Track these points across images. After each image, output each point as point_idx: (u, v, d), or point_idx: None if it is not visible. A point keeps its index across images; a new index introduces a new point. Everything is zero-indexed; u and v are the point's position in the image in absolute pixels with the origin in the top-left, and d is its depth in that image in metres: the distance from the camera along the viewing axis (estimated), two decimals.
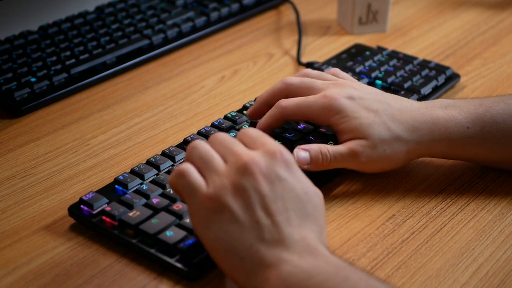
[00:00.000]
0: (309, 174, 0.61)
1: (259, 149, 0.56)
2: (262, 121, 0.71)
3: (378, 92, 0.69)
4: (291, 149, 0.64)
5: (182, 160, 0.69)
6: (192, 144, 0.58)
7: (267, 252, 0.52)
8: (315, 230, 0.54)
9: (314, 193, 0.56)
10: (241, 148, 0.56)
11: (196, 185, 0.55)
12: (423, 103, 0.69)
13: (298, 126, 0.73)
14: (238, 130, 0.73)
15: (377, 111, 0.66)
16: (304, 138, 0.71)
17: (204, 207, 0.54)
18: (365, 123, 0.65)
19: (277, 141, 0.69)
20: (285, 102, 0.68)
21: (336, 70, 0.74)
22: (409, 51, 0.94)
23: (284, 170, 0.55)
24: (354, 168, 0.67)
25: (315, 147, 0.66)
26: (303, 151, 0.66)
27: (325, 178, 0.68)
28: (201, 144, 0.57)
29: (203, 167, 0.56)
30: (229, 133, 0.73)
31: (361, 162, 0.66)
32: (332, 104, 0.66)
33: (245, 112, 0.77)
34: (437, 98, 0.83)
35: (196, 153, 0.57)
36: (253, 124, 0.74)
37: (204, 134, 0.72)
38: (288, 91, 0.70)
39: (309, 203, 0.55)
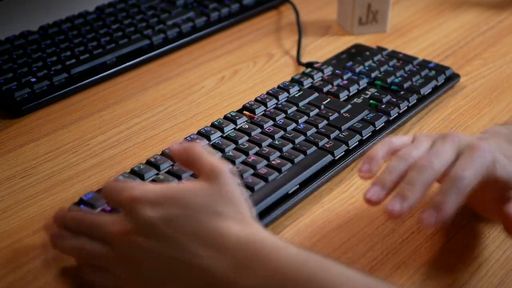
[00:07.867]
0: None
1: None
2: (445, 205, 0.53)
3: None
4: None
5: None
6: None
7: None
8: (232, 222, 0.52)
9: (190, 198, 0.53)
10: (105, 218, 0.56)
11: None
12: None
13: (298, 126, 0.73)
14: (238, 130, 0.73)
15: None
16: (305, 138, 0.72)
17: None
18: None
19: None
20: (462, 171, 0.55)
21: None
22: (409, 51, 0.94)
23: (150, 210, 0.52)
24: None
25: None
26: None
27: (324, 178, 0.69)
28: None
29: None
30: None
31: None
32: (491, 155, 0.56)
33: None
34: (437, 98, 0.83)
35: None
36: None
37: (204, 134, 0.72)
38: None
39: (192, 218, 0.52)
